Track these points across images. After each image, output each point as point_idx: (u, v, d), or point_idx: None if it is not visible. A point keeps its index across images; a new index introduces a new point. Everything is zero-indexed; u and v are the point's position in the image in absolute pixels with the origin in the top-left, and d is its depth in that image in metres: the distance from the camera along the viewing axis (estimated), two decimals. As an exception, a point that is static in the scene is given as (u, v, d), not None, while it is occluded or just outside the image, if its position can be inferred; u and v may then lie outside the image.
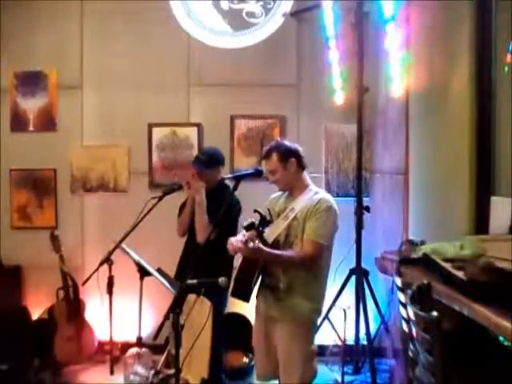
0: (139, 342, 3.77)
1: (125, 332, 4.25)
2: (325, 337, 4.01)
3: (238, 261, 2.76)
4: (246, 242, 2.42)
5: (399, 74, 3.61)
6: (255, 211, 2.61)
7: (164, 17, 4.49)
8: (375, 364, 3.76)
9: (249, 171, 2.82)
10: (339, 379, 3.81)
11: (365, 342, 3.83)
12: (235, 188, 2.66)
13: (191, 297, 2.78)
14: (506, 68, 2.60)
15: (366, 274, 3.85)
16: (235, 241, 2.62)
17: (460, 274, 1.95)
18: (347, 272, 3.89)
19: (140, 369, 3.67)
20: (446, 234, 3.11)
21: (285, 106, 4.52)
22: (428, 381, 1.98)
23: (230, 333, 3.50)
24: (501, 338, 1.71)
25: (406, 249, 2.69)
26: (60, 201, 4.65)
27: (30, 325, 4.16)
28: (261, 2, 4.50)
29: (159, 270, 3.56)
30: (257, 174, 2.76)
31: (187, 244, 3.47)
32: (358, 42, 3.89)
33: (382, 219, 4.21)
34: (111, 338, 4.00)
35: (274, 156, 2.74)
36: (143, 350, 3.77)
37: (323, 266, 2.74)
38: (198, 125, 4.54)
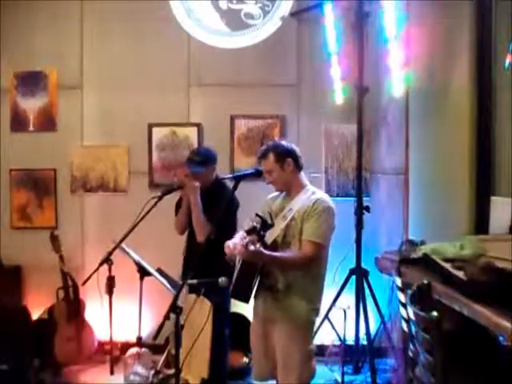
0: (139, 342, 3.77)
1: (125, 332, 4.25)
2: (325, 337, 4.01)
3: (237, 261, 2.76)
4: (246, 245, 2.42)
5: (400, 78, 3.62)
6: (256, 215, 2.61)
7: (164, 17, 4.49)
8: (375, 364, 3.76)
9: (249, 171, 2.82)
10: (339, 379, 3.80)
11: (365, 342, 3.83)
12: (235, 188, 2.65)
13: (191, 297, 2.78)
14: (507, 62, 2.59)
15: (365, 273, 3.85)
16: (232, 244, 2.63)
17: (460, 274, 1.95)
18: (347, 272, 3.89)
19: (140, 369, 3.67)
20: (445, 234, 3.11)
21: (285, 106, 4.51)
22: (428, 381, 1.98)
23: (230, 333, 3.50)
24: (501, 338, 1.70)
25: (406, 249, 2.69)
26: (60, 201, 4.65)
27: (30, 325, 4.15)
28: (259, 4, 4.50)
29: (159, 270, 3.56)
30: (257, 174, 2.76)
31: (189, 242, 3.46)
32: (358, 43, 3.89)
33: (381, 219, 4.21)
34: (111, 338, 4.01)
35: (271, 156, 2.74)
36: (143, 349, 3.77)
37: (321, 266, 2.74)
38: (197, 125, 4.54)
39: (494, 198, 2.92)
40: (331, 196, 4.02)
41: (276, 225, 2.70)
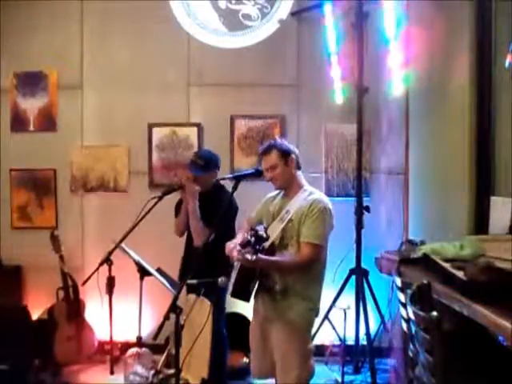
0: (139, 342, 3.77)
1: (125, 332, 4.25)
2: (325, 337, 4.01)
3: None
4: (243, 254, 2.44)
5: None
6: (251, 230, 2.61)
7: (164, 17, 4.49)
8: (375, 364, 3.76)
9: (249, 171, 2.82)
10: (339, 379, 3.81)
11: (365, 342, 3.83)
12: (235, 188, 2.65)
13: (191, 297, 2.79)
14: (507, 62, 2.59)
15: (365, 273, 3.85)
16: (230, 250, 2.64)
17: (460, 274, 1.95)
18: (347, 272, 3.89)
19: (140, 369, 3.67)
20: (445, 234, 3.11)
21: (285, 106, 4.52)
22: (428, 381, 1.98)
23: (230, 333, 3.51)
24: (500, 338, 1.70)
25: (405, 249, 2.69)
26: (60, 201, 4.65)
27: (30, 325, 4.15)
28: (258, 6, 4.50)
29: (159, 270, 3.56)
30: (256, 174, 2.77)
31: (187, 245, 3.47)
32: (358, 42, 3.89)
33: (382, 219, 4.21)
34: (111, 337, 4.01)
35: (275, 152, 2.75)
36: (143, 349, 3.77)
37: (320, 267, 2.74)
38: (197, 125, 4.54)
39: (493, 198, 2.92)
40: (331, 196, 4.07)
41: (274, 227, 2.71)
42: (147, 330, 3.98)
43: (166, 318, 2.28)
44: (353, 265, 3.89)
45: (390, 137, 4.28)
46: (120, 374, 3.83)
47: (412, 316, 2.04)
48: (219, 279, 2.51)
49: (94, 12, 4.59)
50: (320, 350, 3.97)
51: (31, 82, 4.64)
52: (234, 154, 4.50)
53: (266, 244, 2.62)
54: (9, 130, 4.67)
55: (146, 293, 3.64)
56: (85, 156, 4.62)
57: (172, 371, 3.22)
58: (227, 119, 4.52)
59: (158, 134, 4.56)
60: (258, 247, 2.45)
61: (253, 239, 2.45)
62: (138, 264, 3.56)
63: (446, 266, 2.10)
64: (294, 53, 4.49)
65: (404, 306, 2.17)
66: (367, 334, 3.77)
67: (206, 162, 3.37)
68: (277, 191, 2.89)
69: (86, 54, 4.62)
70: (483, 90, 3.09)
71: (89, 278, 3.35)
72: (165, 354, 3.64)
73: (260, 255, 2.46)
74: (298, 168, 2.81)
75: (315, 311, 2.76)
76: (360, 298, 3.84)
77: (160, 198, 3.21)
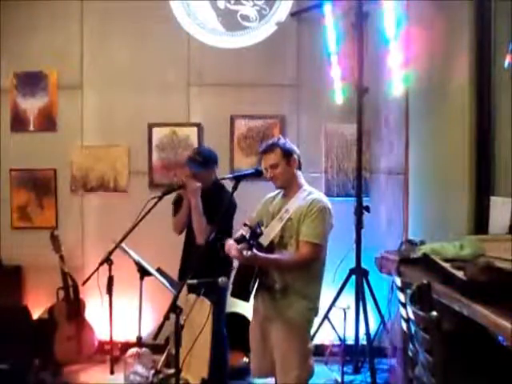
0: (139, 342, 3.77)
1: (125, 332, 4.25)
2: (325, 337, 4.01)
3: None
4: (241, 251, 2.45)
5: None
6: (245, 225, 2.62)
7: (164, 17, 4.49)
8: (375, 364, 3.76)
9: (249, 171, 2.82)
10: (339, 379, 3.81)
11: (364, 342, 3.83)
12: (235, 188, 2.65)
13: (191, 297, 2.79)
14: (507, 62, 2.59)
15: (365, 274, 3.86)
16: (228, 247, 2.65)
17: (460, 274, 1.95)
18: (347, 272, 3.89)
19: (140, 369, 3.67)
20: (445, 234, 3.11)
21: (285, 106, 4.52)
22: (428, 381, 1.98)
23: (230, 333, 3.51)
24: (500, 338, 1.70)
25: (405, 249, 2.69)
26: (60, 201, 4.65)
27: (30, 325, 4.15)
28: (257, 7, 4.50)
29: (159, 270, 3.56)
30: (257, 174, 2.76)
31: (186, 244, 3.47)
32: (358, 42, 3.89)
33: (381, 219, 4.21)
34: (111, 338, 4.01)
35: (278, 150, 2.75)
36: (143, 349, 3.77)
37: (319, 266, 2.75)
38: (197, 125, 4.54)
39: (493, 198, 2.92)
40: (331, 196, 4.07)
41: (273, 226, 2.71)
42: (147, 330, 3.98)
43: (166, 318, 2.28)
44: (353, 265, 3.89)
45: (390, 137, 4.28)
46: (120, 373, 3.83)
47: (412, 316, 2.04)
48: (219, 279, 2.51)
49: (94, 12, 4.59)
50: (320, 350, 3.97)
51: (31, 81, 4.64)
52: (233, 153, 4.50)
53: (265, 243, 2.63)
54: (9, 129, 4.67)
55: (145, 293, 3.64)
56: (85, 156, 4.62)
57: (172, 371, 3.22)
58: (227, 119, 4.52)
59: (158, 134, 4.56)
60: (252, 242, 2.46)
61: (248, 235, 2.48)
62: (137, 264, 3.56)
63: (446, 266, 2.10)
64: (293, 53, 4.49)
65: (404, 305, 2.17)
66: (367, 333, 3.77)
67: (204, 159, 3.37)
68: (276, 191, 2.89)
69: (86, 53, 4.62)
70: (483, 89, 3.09)
71: (89, 277, 3.35)
72: (165, 354, 3.64)
73: (255, 251, 2.47)
74: (299, 168, 2.82)
75: (315, 310, 2.76)
76: (360, 297, 3.84)
77: (160, 198, 3.21)
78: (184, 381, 2.84)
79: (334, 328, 3.90)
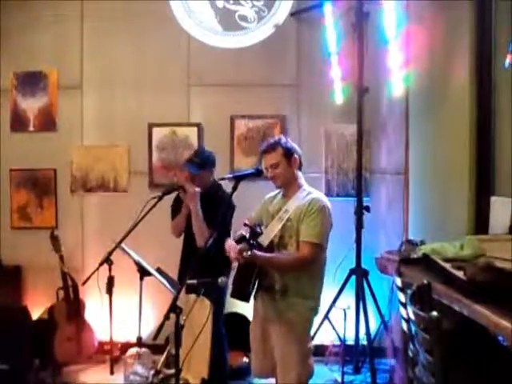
0: (139, 342, 3.77)
1: (125, 332, 4.25)
2: (325, 337, 4.01)
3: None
4: (240, 252, 2.45)
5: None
6: (245, 225, 2.62)
7: (164, 17, 4.49)
8: (375, 364, 3.76)
9: (249, 171, 2.82)
10: (339, 379, 3.81)
11: (365, 342, 3.83)
12: (235, 188, 2.65)
13: (191, 297, 2.78)
14: (507, 62, 2.59)
15: (365, 273, 3.86)
16: (228, 247, 2.65)
17: (460, 274, 1.95)
18: (347, 272, 3.89)
19: (140, 369, 3.67)
20: (445, 234, 3.11)
21: (285, 106, 4.52)
22: (428, 381, 1.98)
23: (230, 333, 3.51)
24: (500, 338, 1.70)
25: (405, 249, 2.69)
26: (60, 201, 4.65)
27: (30, 325, 4.14)
28: (255, 8, 4.50)
29: (159, 270, 3.56)
30: (257, 174, 2.76)
31: (185, 246, 3.47)
32: (358, 43, 3.89)
33: (382, 219, 4.22)
34: (111, 337, 4.01)
35: (280, 149, 2.75)
36: (143, 349, 3.77)
37: (319, 266, 2.74)
38: (197, 125, 4.54)
39: (493, 198, 2.92)
40: (331, 196, 4.07)
41: (273, 226, 2.71)
42: (147, 330, 3.99)
43: (166, 317, 2.28)
44: (353, 265, 3.89)
45: (390, 137, 4.28)
46: (120, 373, 3.83)
47: (412, 316, 2.04)
48: (219, 279, 2.51)
49: (94, 12, 4.59)
50: (320, 350, 3.97)
51: (31, 81, 4.64)
52: (233, 154, 4.50)
53: (265, 243, 2.63)
54: (9, 129, 4.67)
55: (145, 293, 3.64)
56: (85, 156, 4.62)
57: (172, 371, 3.22)
58: (227, 119, 4.52)
59: (158, 133, 4.56)
60: (252, 242, 2.46)
61: (247, 235, 2.49)
62: (137, 264, 3.56)
63: (446, 266, 2.10)
64: (293, 53, 4.49)
65: (404, 306, 2.17)
66: (367, 333, 3.77)
67: (202, 160, 3.38)
68: (276, 191, 2.89)
69: (86, 54, 4.62)
70: (483, 89, 3.09)
71: (89, 277, 3.34)
72: (165, 354, 3.64)
73: (255, 251, 2.47)
74: (300, 168, 2.82)
75: (315, 310, 2.76)
76: (360, 297, 3.84)
77: (160, 198, 3.21)
78: (184, 381, 2.84)
79: (334, 328, 3.90)
